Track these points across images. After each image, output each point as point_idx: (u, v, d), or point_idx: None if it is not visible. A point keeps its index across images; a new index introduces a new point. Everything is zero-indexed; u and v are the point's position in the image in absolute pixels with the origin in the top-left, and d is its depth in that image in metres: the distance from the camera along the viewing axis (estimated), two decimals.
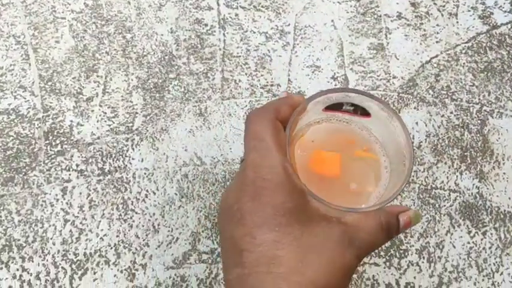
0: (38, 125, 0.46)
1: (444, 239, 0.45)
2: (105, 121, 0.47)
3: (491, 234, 0.46)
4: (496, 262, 0.45)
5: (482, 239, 0.45)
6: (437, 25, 0.55)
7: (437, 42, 0.54)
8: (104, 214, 0.44)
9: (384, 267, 0.44)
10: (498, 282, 0.44)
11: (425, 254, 0.44)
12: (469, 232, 0.46)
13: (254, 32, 0.53)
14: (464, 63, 0.53)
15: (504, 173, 0.48)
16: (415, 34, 0.54)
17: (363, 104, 0.36)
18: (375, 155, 0.37)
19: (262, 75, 0.51)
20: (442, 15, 0.55)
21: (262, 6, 0.54)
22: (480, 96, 0.51)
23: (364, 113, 0.36)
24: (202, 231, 0.44)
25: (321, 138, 0.38)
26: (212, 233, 0.44)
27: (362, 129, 0.37)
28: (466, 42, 0.54)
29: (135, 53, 0.50)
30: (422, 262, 0.44)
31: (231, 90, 0.50)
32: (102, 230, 0.43)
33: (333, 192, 0.36)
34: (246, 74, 0.50)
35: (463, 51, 0.54)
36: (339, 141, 0.38)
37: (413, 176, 0.47)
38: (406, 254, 0.44)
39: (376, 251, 0.44)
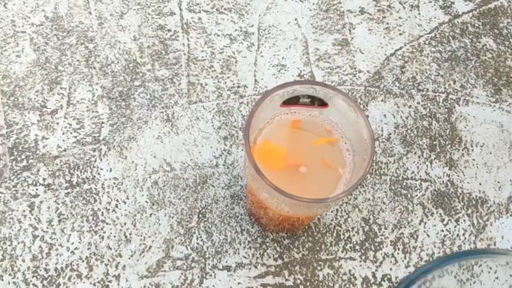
0: (1, 141, 0.46)
1: (418, 229, 0.45)
2: (71, 133, 0.46)
3: (464, 220, 0.46)
4: (471, 248, 0.45)
5: (455, 226, 0.46)
6: (400, 18, 0.55)
7: (400, 34, 0.54)
8: (73, 227, 0.43)
9: (360, 261, 0.44)
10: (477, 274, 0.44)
11: (400, 245, 0.45)
12: (442, 220, 0.46)
13: (218, 35, 0.52)
14: (428, 54, 0.53)
15: (473, 159, 0.48)
16: (378, 28, 0.54)
17: (320, 95, 0.36)
18: (335, 138, 0.37)
19: (228, 77, 0.50)
20: (404, 7, 0.56)
21: (224, 9, 0.54)
22: (446, 85, 0.52)
23: (321, 103, 0.36)
24: (175, 238, 0.43)
25: (278, 132, 0.38)
26: (185, 239, 0.43)
27: (319, 117, 0.38)
28: (429, 33, 0.55)
29: (98, 62, 0.50)
30: (398, 253, 0.44)
31: (197, 94, 0.49)
32: (72, 243, 0.42)
33: (299, 185, 0.36)
34: (212, 77, 0.50)
35: (427, 42, 0.54)
36: (296, 133, 0.38)
37: (384, 168, 0.48)
38: (381, 246, 0.44)
39: (351, 245, 0.44)
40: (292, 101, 0.37)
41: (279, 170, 0.37)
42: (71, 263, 0.42)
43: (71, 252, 0.42)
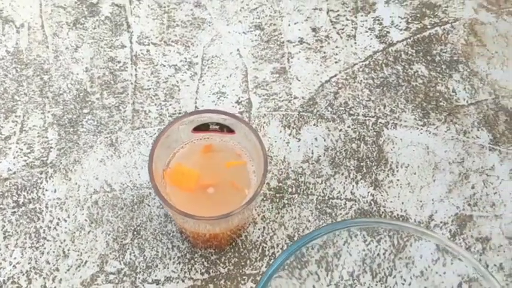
0: None
1: (341, 249, 0.48)
2: (22, 157, 0.51)
3: (385, 237, 0.48)
4: (390, 266, 0.47)
5: (376, 246, 0.48)
6: (337, 47, 0.59)
7: (336, 62, 0.58)
8: (17, 243, 0.47)
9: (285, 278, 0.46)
10: (390, 287, 0.46)
11: (323, 264, 0.47)
12: (365, 241, 0.48)
13: (164, 66, 0.57)
14: (361, 80, 0.57)
15: (398, 180, 0.51)
16: (315, 56, 0.58)
17: (227, 123, 0.39)
18: (243, 161, 0.41)
19: (170, 105, 0.54)
20: (341, 37, 0.59)
21: (172, 41, 0.58)
22: (376, 110, 0.55)
23: (229, 130, 0.40)
24: (110, 253, 0.47)
25: (191, 155, 0.41)
26: (119, 255, 0.47)
27: (230, 142, 0.42)
28: (364, 61, 0.58)
29: (51, 92, 0.54)
30: (321, 271, 0.47)
31: (141, 120, 0.53)
32: (15, 258, 0.46)
33: (206, 205, 0.40)
34: (155, 104, 0.54)
35: (361, 69, 0.57)
36: (208, 157, 0.42)
37: (312, 188, 0.51)
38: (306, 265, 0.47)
39: None
40: (202, 128, 0.41)
41: (189, 192, 0.40)
42: (12, 276, 0.45)
43: (13, 266, 0.46)
